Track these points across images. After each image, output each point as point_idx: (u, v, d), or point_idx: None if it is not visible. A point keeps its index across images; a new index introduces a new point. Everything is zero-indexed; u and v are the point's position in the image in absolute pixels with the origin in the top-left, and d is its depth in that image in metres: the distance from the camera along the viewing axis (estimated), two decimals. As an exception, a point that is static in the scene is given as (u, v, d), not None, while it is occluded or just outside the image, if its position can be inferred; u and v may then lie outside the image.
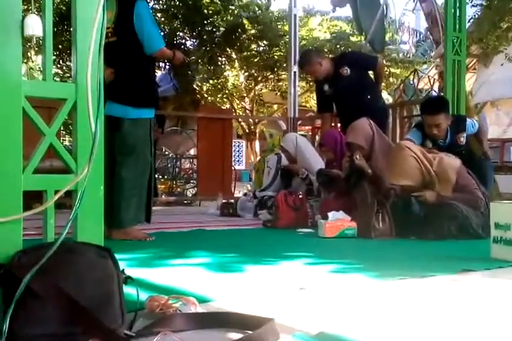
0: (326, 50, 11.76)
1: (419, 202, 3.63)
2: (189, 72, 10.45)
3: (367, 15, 7.53)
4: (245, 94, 14.96)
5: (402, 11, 14.71)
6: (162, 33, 4.02)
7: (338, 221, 3.72)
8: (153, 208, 3.91)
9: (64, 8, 8.73)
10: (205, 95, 12.67)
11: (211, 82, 12.32)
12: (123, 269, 1.38)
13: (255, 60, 12.14)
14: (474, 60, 10.71)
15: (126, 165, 3.53)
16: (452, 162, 3.71)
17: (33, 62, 10.97)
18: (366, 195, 3.78)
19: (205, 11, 10.11)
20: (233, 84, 14.33)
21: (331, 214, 3.78)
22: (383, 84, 7.72)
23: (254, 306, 1.66)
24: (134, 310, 1.38)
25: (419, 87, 9.36)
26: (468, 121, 4.47)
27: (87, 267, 1.29)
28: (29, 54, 9.90)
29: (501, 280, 2.21)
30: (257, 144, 15.20)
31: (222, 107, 13.31)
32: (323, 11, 13.98)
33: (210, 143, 7.71)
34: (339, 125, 5.89)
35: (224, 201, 6.10)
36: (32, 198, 1.56)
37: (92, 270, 1.29)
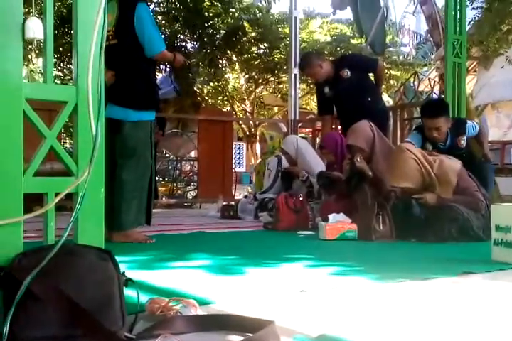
0: (326, 52, 11.78)
1: (419, 204, 3.63)
2: (190, 75, 10.46)
3: (367, 17, 7.54)
4: (246, 97, 14.98)
5: (402, 13, 14.71)
6: (163, 36, 4.02)
7: (338, 223, 3.72)
8: (154, 210, 3.91)
9: (65, 10, 8.75)
10: (206, 97, 12.69)
11: (212, 84, 12.34)
12: (123, 271, 1.38)
13: (256, 63, 12.16)
14: (475, 63, 10.71)
15: (126, 167, 3.53)
16: (453, 164, 3.71)
17: (33, 64, 10.99)
18: (367, 197, 3.78)
19: (206, 13, 10.13)
20: (234, 86, 14.35)
21: (331, 217, 3.78)
22: (383, 86, 7.74)
23: (255, 309, 1.66)
24: (134, 312, 1.38)
25: (420, 89, 9.36)
26: (469, 123, 4.47)
27: (87, 269, 1.29)
28: (30, 56, 9.92)
29: (502, 282, 2.21)
30: (257, 146, 15.22)
31: (223, 109, 13.32)
32: (323, 13, 14.02)
33: (210, 145, 7.71)
34: (340, 127, 5.89)
35: (224, 203, 6.09)
36: (32, 201, 1.56)
37: (92, 272, 1.29)
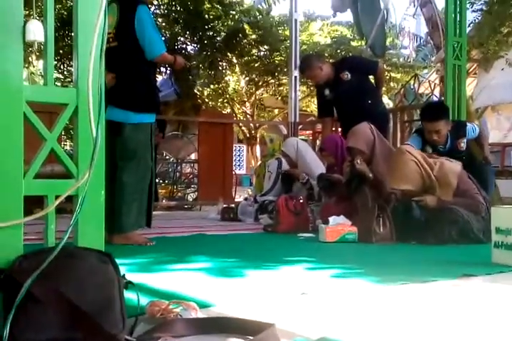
0: (326, 54, 11.78)
1: (419, 206, 3.63)
2: (190, 77, 10.46)
3: (367, 20, 7.55)
4: (246, 99, 14.99)
5: (402, 15, 14.71)
6: (163, 38, 4.02)
7: (338, 225, 3.72)
8: (154, 213, 3.91)
9: (65, 13, 8.75)
10: (206, 100, 12.68)
11: (212, 86, 12.34)
12: (124, 274, 1.38)
13: (256, 65, 12.16)
14: (475, 65, 10.72)
15: (127, 169, 3.53)
16: (453, 166, 3.71)
17: (34, 66, 10.99)
18: (367, 200, 3.78)
19: (206, 16, 10.14)
20: (234, 88, 14.36)
21: (331, 219, 3.78)
22: (384, 88, 7.73)
23: (255, 311, 1.66)
24: (134, 315, 1.37)
25: (420, 91, 9.36)
26: (469, 125, 4.47)
27: (87, 272, 1.29)
28: (30, 59, 9.93)
29: (502, 285, 2.21)
30: (257, 149, 15.21)
31: (223, 112, 13.32)
32: (323, 15, 14.02)
33: (210, 147, 7.71)
34: (340, 129, 5.89)
35: (225, 206, 6.09)
36: (33, 203, 1.56)
37: (92, 275, 1.29)
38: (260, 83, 13.53)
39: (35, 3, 1.44)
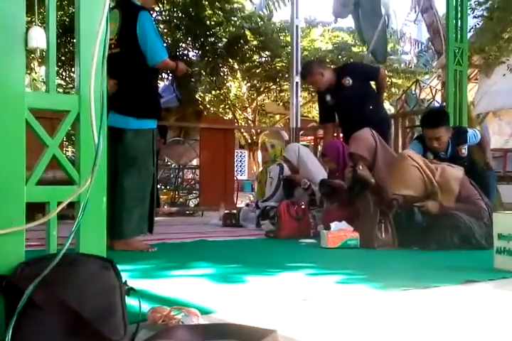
0: (327, 60, 11.80)
1: (421, 212, 3.62)
2: (192, 83, 10.48)
3: (369, 25, 7.57)
4: (247, 105, 15.01)
5: (403, 21, 14.73)
6: (165, 44, 4.03)
7: (340, 231, 3.71)
8: (156, 219, 3.91)
9: (67, 19, 8.79)
10: (208, 106, 12.70)
11: (213, 92, 12.36)
12: (125, 281, 1.38)
13: (257, 71, 12.19)
14: (476, 71, 10.74)
15: (128, 175, 3.53)
16: (455, 172, 3.71)
17: (36, 73, 11.03)
18: (369, 205, 3.77)
19: (208, 22, 10.17)
20: (235, 94, 14.38)
21: (333, 225, 3.78)
22: (385, 94, 7.75)
23: (257, 317, 1.66)
24: (136, 321, 1.37)
25: (421, 97, 9.39)
26: (470, 131, 4.46)
27: (89, 279, 1.29)
28: (32, 65, 9.96)
29: (505, 291, 2.20)
30: (259, 154, 15.22)
31: (225, 118, 13.35)
32: (324, 21, 14.05)
33: (212, 153, 7.72)
34: (341, 135, 5.89)
35: (226, 211, 6.09)
36: (34, 209, 1.56)
37: (94, 281, 1.29)
38: (262, 89, 13.55)
39: (37, 9, 1.45)
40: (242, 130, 14.97)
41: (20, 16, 1.40)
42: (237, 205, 7.88)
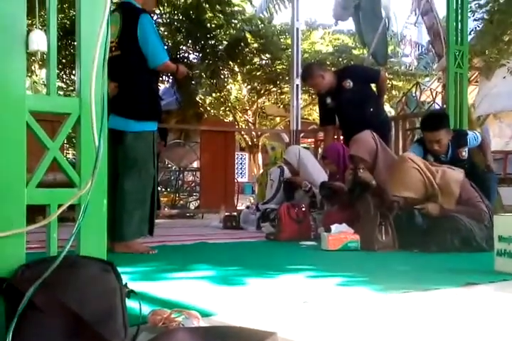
0: (328, 63, 11.83)
1: (422, 214, 3.62)
2: (192, 86, 10.50)
3: (369, 28, 7.58)
4: (248, 107, 15.04)
5: (403, 24, 14.76)
6: (165, 47, 4.03)
7: (341, 233, 3.71)
8: (156, 221, 3.90)
9: (68, 22, 8.82)
10: (208, 108, 12.73)
11: (214, 95, 12.39)
12: (126, 283, 1.38)
13: (258, 73, 12.21)
14: (476, 73, 10.74)
15: (129, 178, 3.53)
16: (455, 175, 3.71)
17: (37, 75, 11.05)
18: (369, 208, 3.77)
19: (208, 24, 10.19)
20: (236, 97, 14.41)
21: (334, 227, 3.77)
22: (385, 96, 7.75)
23: (257, 320, 1.66)
24: (136, 324, 1.37)
25: (422, 99, 9.40)
26: (470, 134, 4.46)
27: (89, 281, 1.29)
28: (33, 68, 9.98)
29: (506, 293, 2.20)
30: (259, 157, 15.24)
31: (225, 120, 13.37)
32: (325, 24, 14.09)
33: (212, 155, 7.73)
34: (342, 137, 5.90)
35: (227, 214, 6.09)
36: (35, 211, 1.56)
37: (94, 284, 1.29)
38: (262, 91, 13.58)
39: (38, 12, 1.46)
40: (242, 132, 15.00)
41: (21, 19, 1.40)
42: (238, 207, 7.88)
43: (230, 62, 11.19)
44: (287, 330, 1.51)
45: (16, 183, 1.38)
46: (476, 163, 4.49)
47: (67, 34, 8.40)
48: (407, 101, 10.04)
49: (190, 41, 10.49)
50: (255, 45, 11.23)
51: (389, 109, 12.50)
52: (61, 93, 9.33)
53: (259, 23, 11.27)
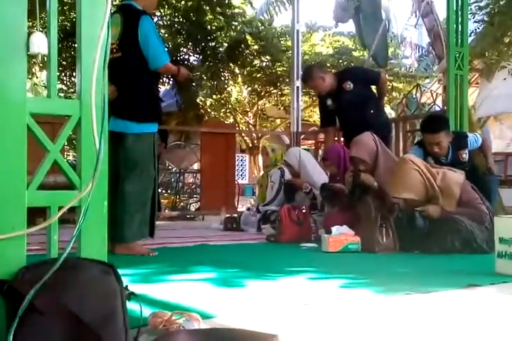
0: (328, 65, 11.83)
1: (422, 216, 3.62)
2: (193, 88, 10.51)
3: (369, 30, 7.59)
4: (248, 109, 15.04)
5: (404, 26, 14.76)
6: (166, 49, 4.03)
7: (341, 235, 3.71)
8: (157, 223, 3.90)
9: (69, 24, 8.83)
10: (209, 110, 12.73)
11: (214, 97, 12.39)
12: (126, 285, 1.38)
13: (258, 75, 12.22)
14: (477, 75, 10.74)
15: (129, 179, 3.53)
16: (456, 176, 3.70)
17: (37, 78, 11.05)
18: (370, 210, 3.77)
19: (209, 27, 10.20)
20: (236, 99, 14.41)
21: (334, 229, 3.77)
22: (386, 98, 7.76)
23: (258, 322, 1.65)
24: (137, 326, 1.37)
25: (422, 101, 9.38)
26: (471, 136, 4.46)
27: (90, 283, 1.29)
28: (34, 70, 9.99)
29: (507, 295, 2.20)
30: (260, 158, 15.24)
31: (226, 122, 13.37)
32: (325, 26, 14.09)
33: (213, 157, 7.72)
34: (342, 139, 5.90)
35: (227, 215, 6.09)
36: (35, 213, 1.56)
37: (95, 286, 1.29)
38: (262, 93, 13.59)
39: (38, 15, 1.46)
40: (243, 134, 15.00)
41: (22, 21, 1.40)
42: (238, 209, 7.88)
43: (231, 64, 11.19)
44: (288, 333, 1.51)
45: (17, 185, 1.38)
46: (476, 165, 4.48)
47: (68, 36, 8.41)
48: (408, 102, 10.03)
49: (190, 43, 10.49)
50: (256, 47, 11.24)
51: (389, 111, 12.49)
52: (62, 95, 9.33)
53: (260, 25, 11.28)
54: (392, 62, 13.23)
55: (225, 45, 10.65)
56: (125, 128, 3.53)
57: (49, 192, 1.46)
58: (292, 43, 8.03)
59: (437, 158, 4.20)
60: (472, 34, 8.15)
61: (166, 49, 3.82)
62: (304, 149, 6.71)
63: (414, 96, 10.18)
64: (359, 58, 12.28)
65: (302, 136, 8.34)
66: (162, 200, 8.19)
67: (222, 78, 11.36)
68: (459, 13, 5.37)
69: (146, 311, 1.57)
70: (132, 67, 3.57)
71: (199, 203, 8.31)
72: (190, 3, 9.73)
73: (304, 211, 4.53)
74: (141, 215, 3.56)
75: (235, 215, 6.08)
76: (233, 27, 10.59)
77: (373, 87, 5.35)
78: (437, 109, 8.32)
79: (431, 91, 9.87)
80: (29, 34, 1.41)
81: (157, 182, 3.81)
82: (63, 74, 9.87)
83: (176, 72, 3.79)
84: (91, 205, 1.39)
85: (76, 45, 1.53)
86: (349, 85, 5.11)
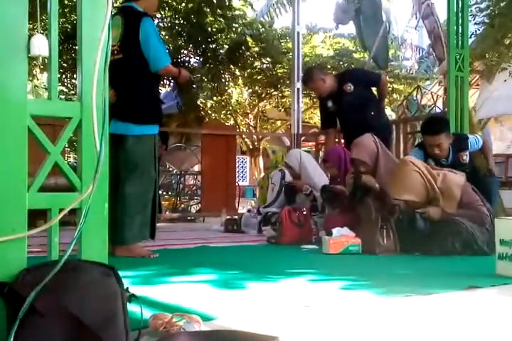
0: (329, 66, 11.83)
1: (423, 218, 3.62)
2: (193, 89, 10.51)
3: (370, 32, 7.60)
4: (249, 111, 15.04)
5: (404, 28, 14.80)
6: (166, 51, 4.03)
7: (342, 237, 3.71)
8: (157, 225, 3.90)
9: (69, 26, 8.83)
10: (209, 112, 12.73)
11: (215, 98, 12.39)
12: (127, 287, 1.38)
13: (259, 77, 12.22)
14: (477, 76, 10.75)
15: (130, 181, 3.53)
16: (457, 178, 3.70)
17: (38, 80, 11.06)
18: (370, 211, 3.77)
19: (209, 29, 10.20)
20: (237, 100, 14.41)
21: (335, 231, 3.77)
22: (386, 100, 7.75)
23: (259, 324, 1.65)
24: (137, 328, 1.37)
25: (423, 103, 9.40)
26: (471, 137, 4.46)
27: (91, 285, 1.29)
28: (34, 72, 9.99)
29: (507, 297, 2.19)
30: (260, 160, 15.24)
31: (226, 124, 13.38)
32: (326, 28, 14.08)
33: (213, 159, 7.73)
34: (343, 141, 5.90)
35: (228, 217, 6.09)
36: (36, 216, 1.56)
37: (96, 288, 1.29)
38: (263, 95, 13.59)
39: (39, 17, 1.46)
40: (243, 136, 15.01)
41: (23, 23, 1.40)
42: (239, 211, 7.88)
43: (231, 66, 11.19)
44: (289, 334, 1.51)
45: (18, 187, 1.38)
46: (477, 166, 4.48)
47: (69, 38, 8.41)
48: (408, 104, 10.05)
49: (191, 45, 10.49)
50: (256, 48, 11.24)
51: (390, 113, 12.50)
52: (62, 97, 9.34)
53: (260, 27, 11.28)
54: (393, 63, 13.23)
55: (226, 46, 10.66)
56: (126, 130, 3.53)
57: (50, 194, 1.46)
58: (293, 45, 8.03)
59: (438, 160, 4.20)
60: (472, 36, 8.15)
61: (167, 51, 3.82)
62: (305, 151, 6.71)
63: (414, 98, 10.19)
64: (359, 60, 12.29)
65: (303, 138, 8.34)
66: (163, 202, 8.19)
67: (223, 80, 11.36)
68: (460, 14, 5.37)
69: (147, 313, 1.57)
70: (133, 69, 3.57)
71: (200, 205, 8.31)
72: (190, 5, 9.73)
73: (304, 213, 4.53)
74: (142, 217, 3.56)
75: (236, 217, 6.08)
76: (234, 29, 10.59)
77: (374, 89, 5.35)
78: (438, 110, 8.33)
79: (431, 93, 9.88)
80: (30, 36, 1.41)
81: (158, 184, 3.81)
82: (64, 76, 9.88)
83: (177, 73, 3.79)
84: (92, 207, 1.40)
85: (77, 47, 1.54)
86: (350, 87, 5.11)
